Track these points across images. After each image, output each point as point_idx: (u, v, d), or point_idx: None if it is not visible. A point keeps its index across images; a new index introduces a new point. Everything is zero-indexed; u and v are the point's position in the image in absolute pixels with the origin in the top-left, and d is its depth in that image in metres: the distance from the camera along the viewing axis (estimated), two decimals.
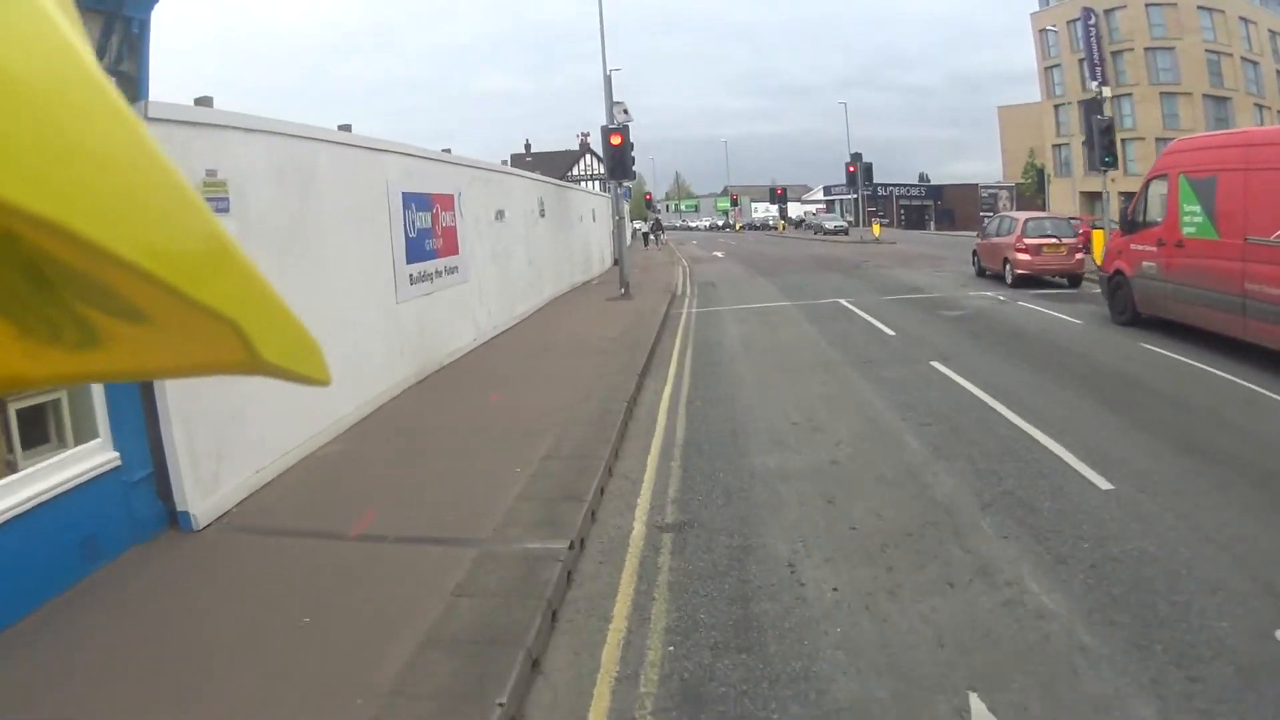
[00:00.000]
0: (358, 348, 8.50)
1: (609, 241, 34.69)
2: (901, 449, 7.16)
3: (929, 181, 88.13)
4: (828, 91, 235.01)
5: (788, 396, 9.25)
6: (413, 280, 10.06)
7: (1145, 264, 12.53)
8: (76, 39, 0.56)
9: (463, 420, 8.28)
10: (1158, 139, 52.01)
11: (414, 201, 10.27)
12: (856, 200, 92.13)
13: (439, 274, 11.02)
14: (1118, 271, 13.44)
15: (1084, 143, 25.82)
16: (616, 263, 33.69)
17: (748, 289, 22.25)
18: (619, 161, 19.59)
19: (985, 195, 73.93)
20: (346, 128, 10.06)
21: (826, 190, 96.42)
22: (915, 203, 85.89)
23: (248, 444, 6.47)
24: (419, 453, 7.23)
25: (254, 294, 0.67)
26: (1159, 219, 12.18)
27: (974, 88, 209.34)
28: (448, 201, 11.57)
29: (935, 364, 10.54)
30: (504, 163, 26.39)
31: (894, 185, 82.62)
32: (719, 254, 40.06)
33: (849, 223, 57.40)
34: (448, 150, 13.35)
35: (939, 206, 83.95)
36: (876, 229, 45.58)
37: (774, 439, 7.62)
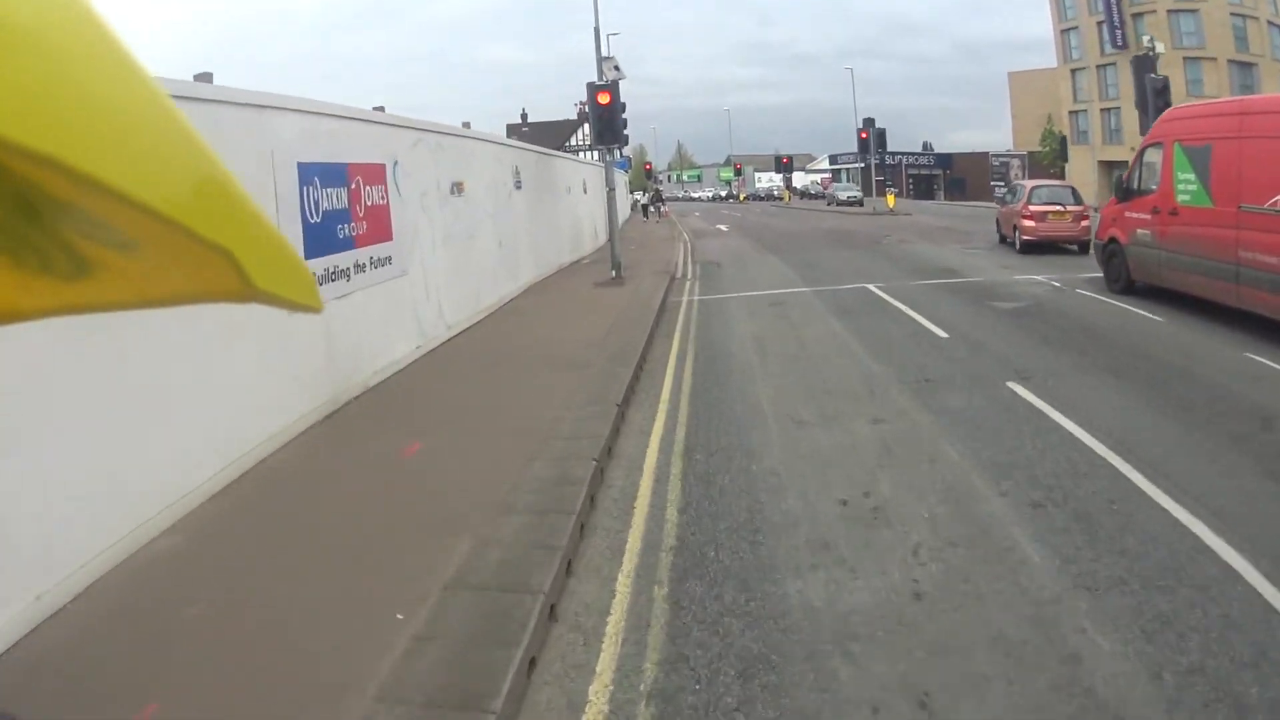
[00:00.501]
0: (221, 383, 5.94)
1: (604, 215, 32.17)
2: (1016, 564, 4.56)
3: (933, 150, 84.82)
4: (832, 61, 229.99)
5: (826, 444, 6.65)
6: (316, 282, 7.44)
7: (1139, 232, 12.66)
8: None
9: (360, 493, 5.71)
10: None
11: (319, 174, 7.62)
12: (864, 169, 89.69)
13: (360, 268, 8.41)
14: (1112, 239, 13.58)
15: (1136, 104, 23.12)
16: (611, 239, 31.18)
17: (757, 270, 19.60)
18: (608, 124, 16.85)
19: (996, 164, 70.80)
20: (378, 108, 7.40)
21: (833, 159, 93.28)
22: (924, 172, 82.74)
23: (17, 558, 4.00)
24: (278, 566, 4.66)
25: (246, 222, 0.69)
26: (1154, 187, 12.28)
27: (979, 57, 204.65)
28: (375, 173, 8.93)
29: (1014, 387, 7.93)
30: (506, 133, 23.65)
31: (903, 154, 79.56)
32: (723, 227, 37.36)
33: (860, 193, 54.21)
34: (380, 108, 10.65)
35: (948, 176, 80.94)
36: (891, 200, 42.65)
37: (815, 538, 5.01)
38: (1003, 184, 69.55)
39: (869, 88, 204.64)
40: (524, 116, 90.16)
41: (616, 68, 18.03)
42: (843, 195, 54.30)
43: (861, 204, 48.90)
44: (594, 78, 17.58)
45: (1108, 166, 50.91)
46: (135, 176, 0.56)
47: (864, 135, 41.96)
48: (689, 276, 18.95)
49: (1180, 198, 11.42)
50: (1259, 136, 9.94)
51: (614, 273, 17.36)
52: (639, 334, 10.99)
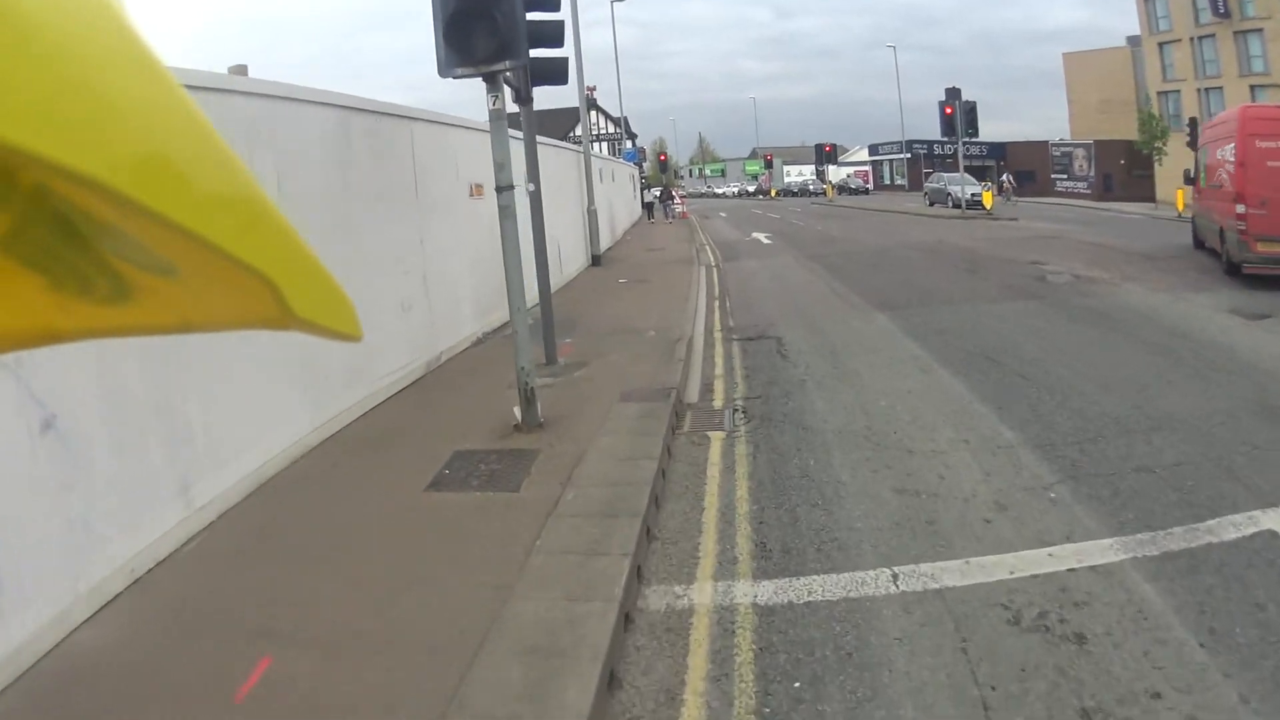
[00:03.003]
0: None
1: (608, 222, 21.41)
2: None
3: (977, 139, 73.56)
4: (853, 53, 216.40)
5: None
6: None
7: None
8: None
9: None
10: None
11: None
12: (909, 160, 78.45)
13: None
14: None
15: None
16: (596, 261, 20.05)
17: (878, 374, 8.60)
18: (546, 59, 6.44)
19: (1058, 154, 60.14)
20: None
21: (872, 150, 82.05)
22: (974, 164, 71.88)
23: None
24: None
25: (287, 249, 0.69)
26: None
27: (998, 48, 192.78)
28: None
29: None
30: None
31: (951, 144, 68.61)
32: (763, 237, 26.23)
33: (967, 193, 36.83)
34: None
35: (1001, 166, 70.30)
36: (988, 198, 31.52)
37: None
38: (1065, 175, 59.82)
39: (889, 80, 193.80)
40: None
41: None
42: (961, 190, 34.85)
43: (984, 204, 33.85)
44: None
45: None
46: (176, 200, 0.57)
47: (949, 111, 30.79)
48: (719, 395, 8.16)
49: None
50: None
51: (519, 412, 6.64)
52: None
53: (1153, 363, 8.45)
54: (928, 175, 70.60)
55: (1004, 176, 43.97)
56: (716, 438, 6.70)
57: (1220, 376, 7.78)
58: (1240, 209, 12.78)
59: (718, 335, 10.91)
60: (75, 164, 0.50)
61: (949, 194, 36.68)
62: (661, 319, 11.68)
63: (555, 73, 7.92)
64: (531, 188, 8.71)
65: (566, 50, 8.06)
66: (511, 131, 7.37)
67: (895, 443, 6.40)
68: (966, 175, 37.50)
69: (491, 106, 6.52)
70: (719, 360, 9.43)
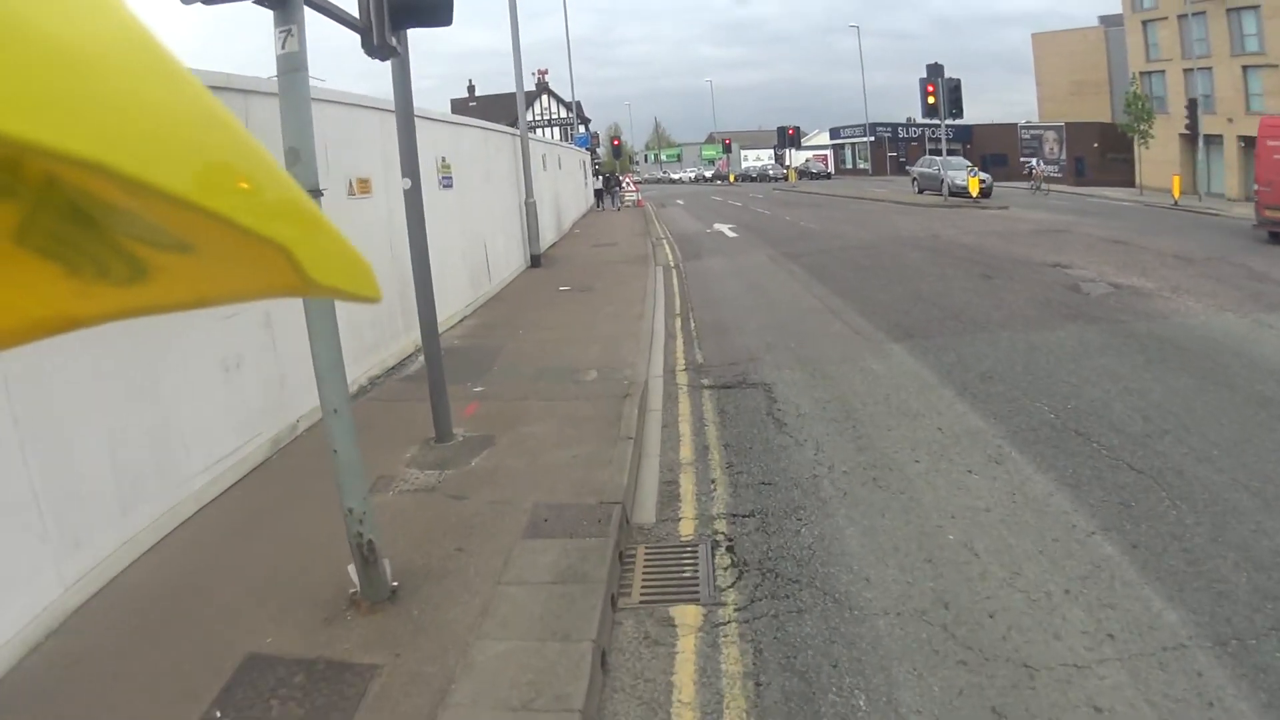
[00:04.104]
0: None
1: (553, 215, 18.14)
2: None
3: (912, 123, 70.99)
4: (809, 37, 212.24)
5: None
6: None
7: None
8: None
9: None
10: None
11: None
12: (873, 144, 75.78)
13: None
14: None
15: None
16: (536, 261, 16.98)
17: (942, 460, 5.84)
18: None
19: (1027, 137, 58.19)
20: None
21: (834, 133, 78.86)
22: (938, 147, 69.57)
23: None
24: None
25: (302, 218, 0.69)
26: None
27: (958, 32, 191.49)
28: None
29: None
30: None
31: (916, 126, 66.56)
32: (727, 230, 23.28)
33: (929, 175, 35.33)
34: None
35: (967, 150, 68.34)
36: (974, 185, 28.92)
37: None
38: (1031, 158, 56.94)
39: (845, 64, 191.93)
40: (471, 89, 75.68)
41: None
42: (956, 177, 31.53)
43: (989, 193, 31.12)
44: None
45: (1188, 142, 37.43)
46: (186, 178, 0.57)
47: (930, 90, 28.12)
48: (689, 508, 5.36)
49: None
50: None
51: (355, 575, 3.78)
52: None
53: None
54: (902, 161, 67.74)
55: (1035, 161, 38.18)
56: (689, 628, 3.88)
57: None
58: None
59: (682, 379, 8.10)
60: (82, 150, 0.50)
61: (944, 179, 31.75)
62: (607, 349, 8.86)
63: (430, 6, 4.99)
64: (408, 184, 5.82)
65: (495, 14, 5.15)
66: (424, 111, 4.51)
67: (997, 645, 3.65)
68: (963, 159, 34.79)
69: (280, 50, 3.61)
70: (686, 430, 6.62)
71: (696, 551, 4.65)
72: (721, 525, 4.95)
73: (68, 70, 0.50)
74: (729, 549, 4.66)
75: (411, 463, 5.86)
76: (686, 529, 4.96)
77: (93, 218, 0.63)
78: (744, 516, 5.01)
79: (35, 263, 0.66)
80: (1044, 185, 37.25)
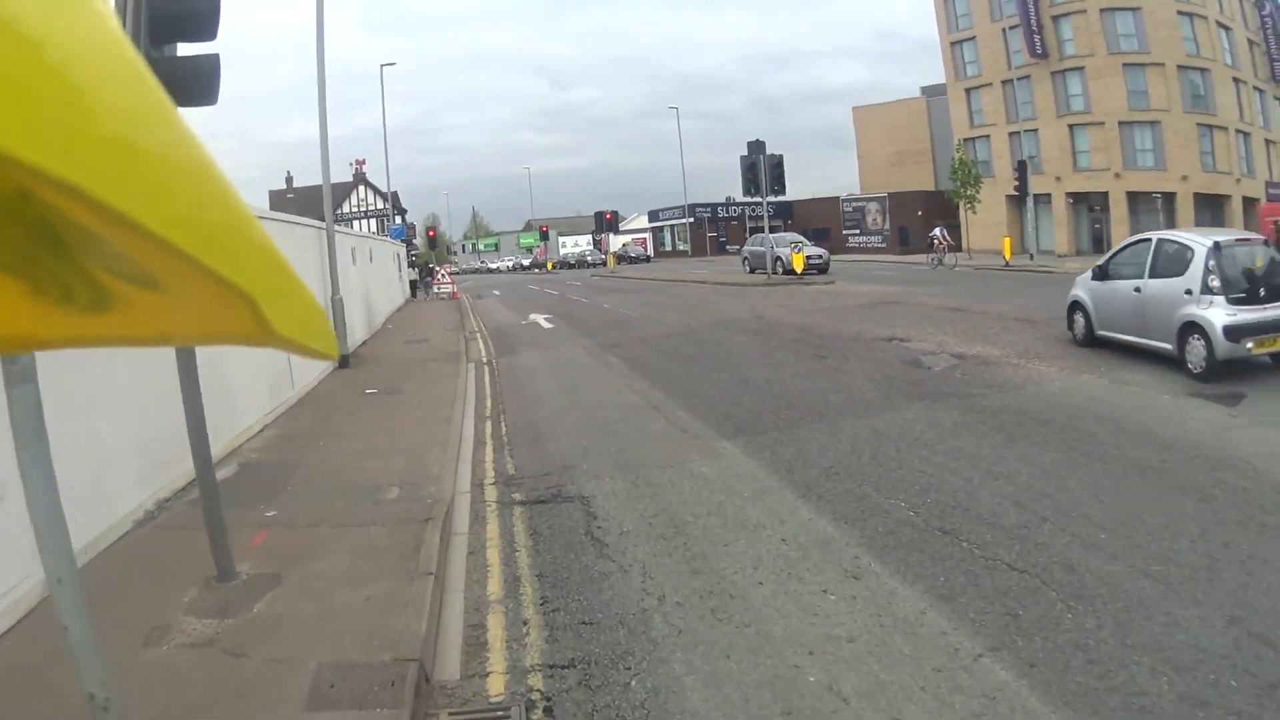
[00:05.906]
0: None
1: (364, 311, 16.35)
2: None
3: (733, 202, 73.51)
4: (629, 122, 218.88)
5: None
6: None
7: None
8: (103, 8, 0.55)
9: None
10: (1121, 123, 39.24)
11: None
12: (693, 225, 77.41)
13: None
14: None
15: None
16: (344, 362, 15.60)
17: (791, 580, 4.67)
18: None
19: (849, 209, 60.62)
20: None
21: (652, 216, 79.32)
22: (759, 223, 71.79)
23: None
24: None
25: (268, 266, 0.70)
26: None
27: (778, 111, 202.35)
28: None
29: None
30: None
31: (736, 205, 68.59)
32: (543, 320, 22.14)
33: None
34: None
35: (789, 225, 70.90)
36: (799, 261, 29.54)
37: None
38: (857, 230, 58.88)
39: (665, 147, 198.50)
40: (289, 180, 73.20)
41: None
42: (811, 253, 31.85)
43: (826, 269, 31.55)
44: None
45: (1014, 203, 40.08)
46: (160, 212, 0.55)
47: (751, 166, 28.76)
48: (498, 660, 4.29)
49: None
50: None
51: None
52: None
53: (1176, 512, 5.43)
54: (723, 241, 68.99)
55: (937, 230, 34.71)
56: None
57: None
58: None
59: (491, 494, 6.98)
60: (61, 172, 0.49)
61: (778, 257, 31.57)
62: (412, 460, 7.73)
63: (198, 84, 3.96)
64: None
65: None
66: None
67: None
68: (799, 236, 35.22)
69: None
70: (495, 557, 5.53)
71: (509, 716, 3.69)
72: (537, 680, 3.92)
73: (60, 94, 0.49)
74: (547, 710, 3.70)
75: (190, 609, 4.61)
76: (496, 686, 3.93)
77: (63, 239, 0.63)
78: (563, 668, 4.00)
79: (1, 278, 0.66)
80: (947, 256, 33.65)
